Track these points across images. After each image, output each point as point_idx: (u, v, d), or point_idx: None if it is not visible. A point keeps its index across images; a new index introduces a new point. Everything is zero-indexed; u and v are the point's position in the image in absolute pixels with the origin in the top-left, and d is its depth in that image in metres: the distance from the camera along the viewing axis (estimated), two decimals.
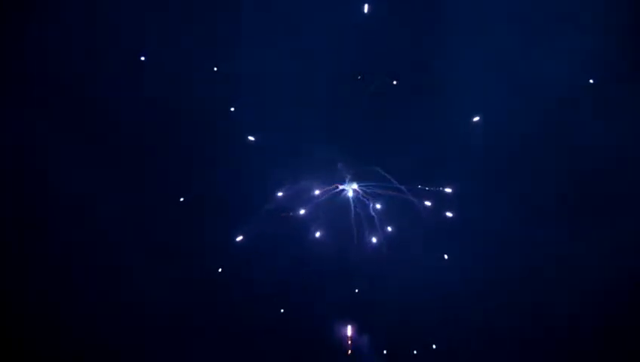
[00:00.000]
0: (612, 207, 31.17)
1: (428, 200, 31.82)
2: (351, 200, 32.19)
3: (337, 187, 31.93)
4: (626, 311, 30.18)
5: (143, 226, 31.40)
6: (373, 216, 32.08)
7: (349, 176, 32.15)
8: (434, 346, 31.09)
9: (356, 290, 31.81)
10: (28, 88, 31.24)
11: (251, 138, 31.95)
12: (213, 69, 32.22)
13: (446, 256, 31.43)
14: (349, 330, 31.47)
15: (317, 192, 31.87)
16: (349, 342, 31.43)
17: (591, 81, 30.82)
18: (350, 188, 32.09)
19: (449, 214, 31.66)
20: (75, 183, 31.00)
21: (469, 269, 31.31)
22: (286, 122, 31.84)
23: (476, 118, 31.78)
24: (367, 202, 32.03)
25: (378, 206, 31.96)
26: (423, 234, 31.77)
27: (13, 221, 30.43)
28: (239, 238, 31.73)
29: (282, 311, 31.58)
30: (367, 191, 32.13)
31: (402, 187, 31.77)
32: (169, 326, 30.98)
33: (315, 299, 31.67)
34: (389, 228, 31.90)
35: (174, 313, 31.11)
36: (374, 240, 31.78)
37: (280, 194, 31.87)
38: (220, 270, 31.62)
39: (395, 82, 31.65)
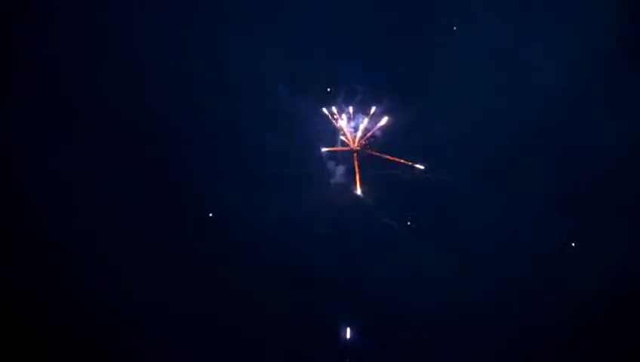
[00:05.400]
0: (610, 207, 31.46)
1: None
2: None
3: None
4: (623, 310, 30.40)
5: (143, 223, 31.61)
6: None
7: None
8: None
9: None
10: (28, 88, 31.50)
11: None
12: (212, 67, 32.64)
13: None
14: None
15: None
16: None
17: None
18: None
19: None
20: (75, 183, 31.24)
21: (466, 268, 31.53)
22: None
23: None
24: None
25: None
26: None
27: (13, 220, 30.55)
28: None
29: None
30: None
31: None
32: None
33: None
34: None
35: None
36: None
37: None
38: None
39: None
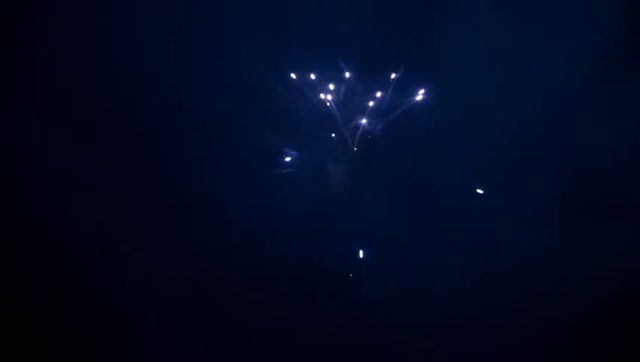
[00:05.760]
0: (608, 207, 31.43)
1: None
2: None
3: None
4: (622, 310, 30.39)
5: (143, 223, 31.67)
6: None
7: None
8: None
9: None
10: (28, 88, 31.52)
11: None
12: (211, 68, 32.62)
13: None
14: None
15: None
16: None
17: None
18: None
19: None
20: (75, 183, 31.30)
21: (464, 268, 31.54)
22: None
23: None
24: None
25: None
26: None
27: (13, 221, 30.60)
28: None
29: None
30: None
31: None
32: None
33: None
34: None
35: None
36: None
37: None
38: None
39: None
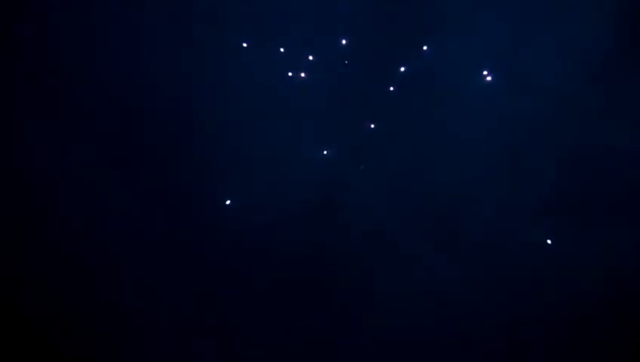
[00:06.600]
0: (609, 208, 31.49)
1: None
2: None
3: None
4: (622, 311, 30.46)
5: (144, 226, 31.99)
6: None
7: None
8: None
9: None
10: (27, 88, 31.79)
11: None
12: (221, 66, 32.68)
13: None
14: None
15: None
16: None
17: None
18: None
19: None
20: (75, 184, 31.69)
21: (464, 268, 31.63)
22: None
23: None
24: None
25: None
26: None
27: (13, 221, 30.98)
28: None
29: None
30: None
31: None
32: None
33: None
34: None
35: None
36: None
37: None
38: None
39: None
